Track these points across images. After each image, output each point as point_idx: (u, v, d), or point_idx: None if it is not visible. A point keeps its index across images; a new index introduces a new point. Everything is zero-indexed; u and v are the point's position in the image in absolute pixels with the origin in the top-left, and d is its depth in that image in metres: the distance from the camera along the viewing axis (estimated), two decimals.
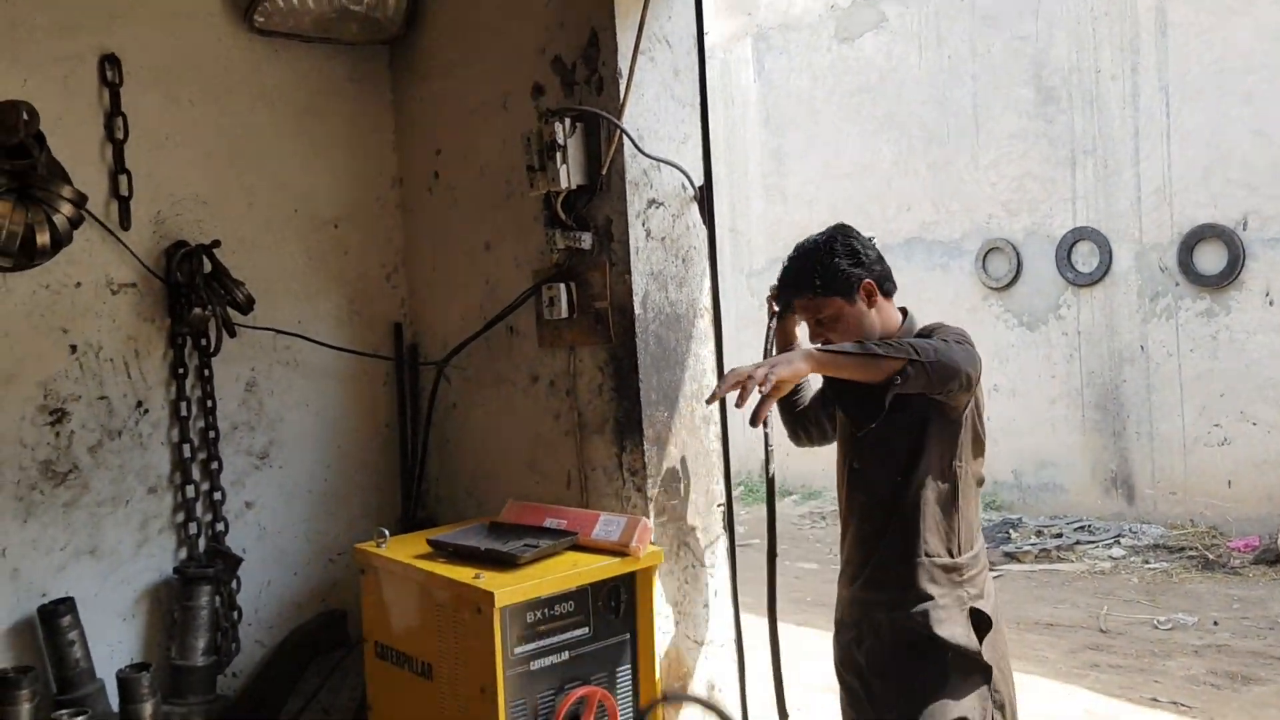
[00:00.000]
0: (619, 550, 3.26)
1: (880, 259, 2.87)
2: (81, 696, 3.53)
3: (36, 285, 3.63)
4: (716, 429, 3.62)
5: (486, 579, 3.07)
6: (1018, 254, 9.29)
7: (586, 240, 3.45)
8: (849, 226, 2.91)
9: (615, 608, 3.28)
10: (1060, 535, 8.73)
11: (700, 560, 3.54)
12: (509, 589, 3.02)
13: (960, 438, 2.78)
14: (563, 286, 3.54)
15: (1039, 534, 8.86)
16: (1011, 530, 9.05)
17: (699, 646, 3.53)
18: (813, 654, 5.08)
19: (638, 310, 3.40)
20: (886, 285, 2.87)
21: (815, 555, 9.05)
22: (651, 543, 3.35)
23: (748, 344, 10.96)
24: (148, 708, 3.41)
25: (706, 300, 3.58)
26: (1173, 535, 8.44)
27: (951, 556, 2.76)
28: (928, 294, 9.99)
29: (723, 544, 3.62)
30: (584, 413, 3.61)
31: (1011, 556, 8.41)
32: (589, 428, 3.59)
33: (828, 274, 2.77)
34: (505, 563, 3.20)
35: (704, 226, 3.55)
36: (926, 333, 2.78)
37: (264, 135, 4.10)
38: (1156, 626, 6.70)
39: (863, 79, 10.28)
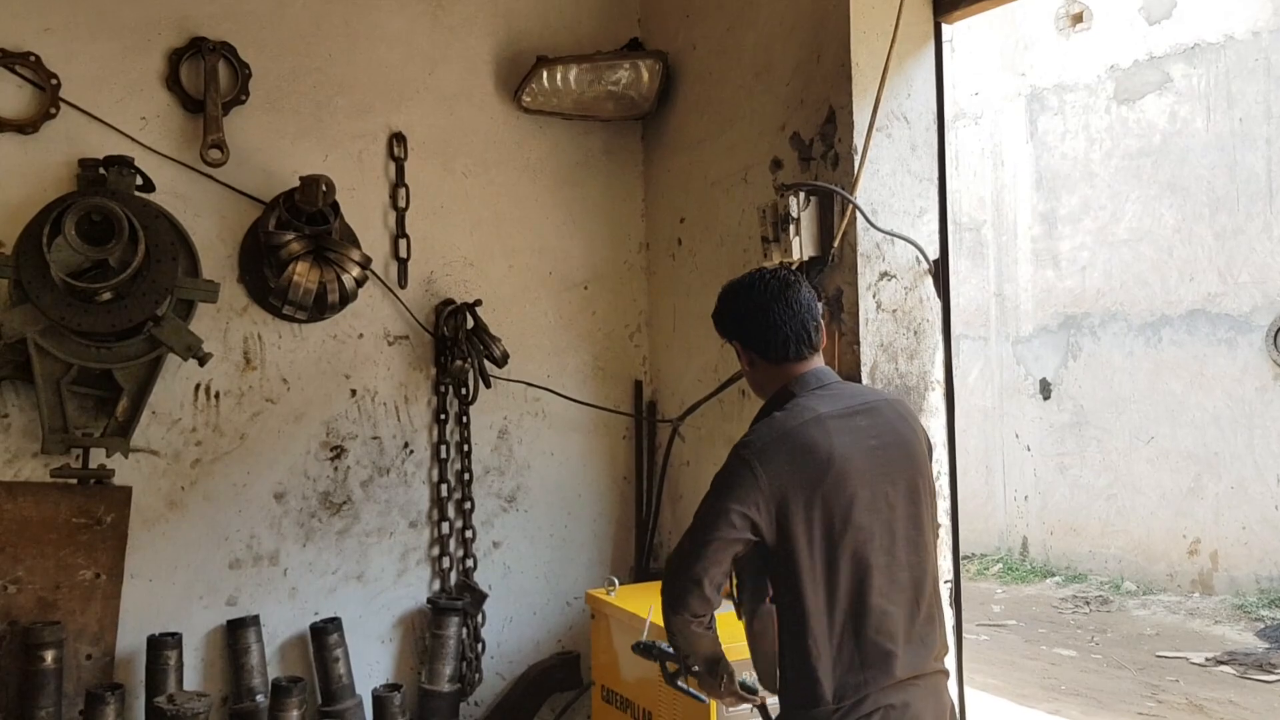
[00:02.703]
0: None
1: (765, 314, 2.54)
2: (342, 710, 3.91)
3: (326, 335, 4.11)
4: (946, 504, 3.58)
5: None
6: None
7: None
8: (760, 275, 2.65)
9: None
10: None
11: None
12: (726, 646, 3.11)
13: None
14: None
15: None
16: None
17: None
18: None
19: (865, 380, 3.44)
20: (765, 351, 2.57)
21: (1075, 641, 8.56)
22: None
23: (1010, 415, 10.65)
24: None
25: (939, 373, 3.57)
26: None
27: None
28: (1211, 370, 9.32)
29: (948, 617, 3.56)
30: None
31: None
32: None
33: (718, 328, 2.75)
34: None
35: (938, 299, 3.56)
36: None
37: (526, 203, 4.46)
38: None
39: (1144, 141, 9.78)
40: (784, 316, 2.55)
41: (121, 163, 3.68)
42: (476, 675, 4.27)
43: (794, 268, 3.56)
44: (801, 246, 3.50)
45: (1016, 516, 10.91)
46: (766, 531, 2.37)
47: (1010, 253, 11.21)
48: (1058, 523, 10.68)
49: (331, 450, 4.12)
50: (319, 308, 3.92)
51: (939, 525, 2.67)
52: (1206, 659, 8.04)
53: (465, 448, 4.29)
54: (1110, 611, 9.67)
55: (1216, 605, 9.31)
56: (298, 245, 3.81)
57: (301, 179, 3.77)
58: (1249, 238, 8.93)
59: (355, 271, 3.92)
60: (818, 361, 2.61)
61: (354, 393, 4.16)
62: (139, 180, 3.73)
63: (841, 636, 2.37)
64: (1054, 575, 10.49)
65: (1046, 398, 10.73)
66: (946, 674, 2.56)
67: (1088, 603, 9.82)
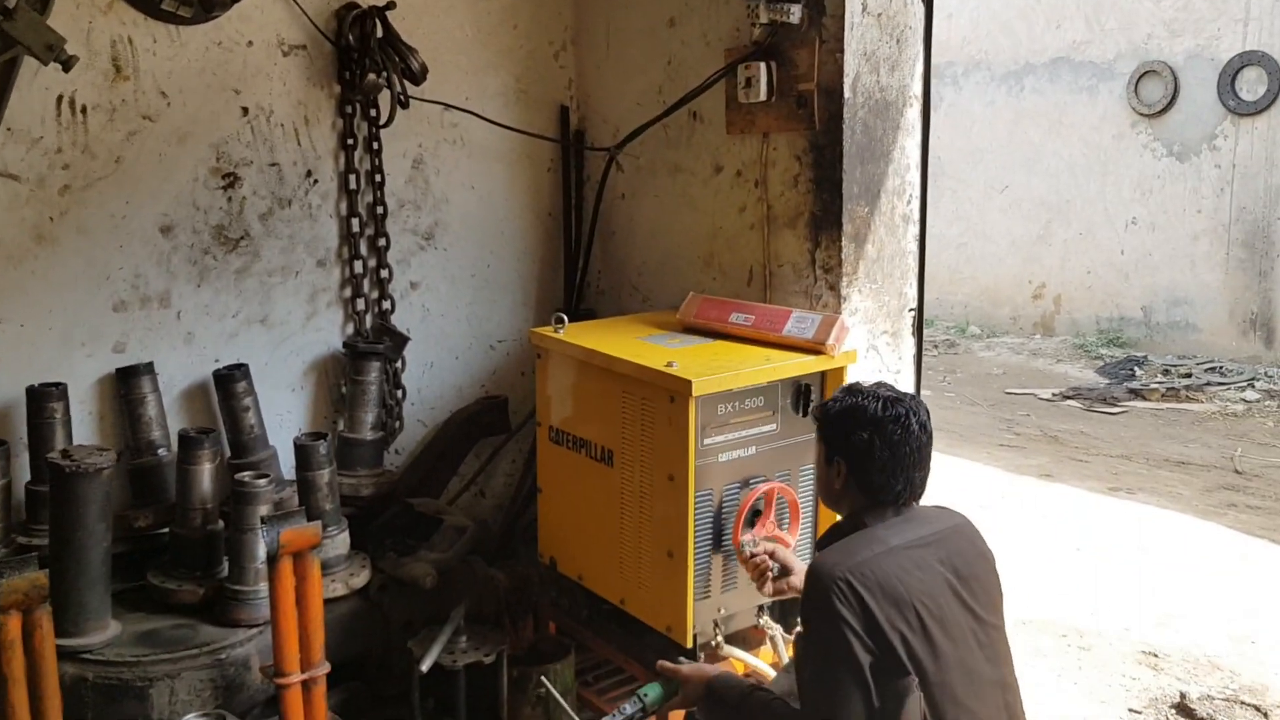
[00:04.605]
0: (814, 348, 3.12)
1: (893, 458, 2.32)
2: (255, 461, 3.56)
3: (209, 42, 3.48)
4: (915, 229, 3.42)
5: (681, 366, 2.97)
6: (1175, 78, 8.70)
7: (795, 13, 3.19)
8: (908, 408, 2.36)
9: (803, 406, 3.16)
10: (1189, 375, 8.46)
11: (887, 365, 3.40)
12: (705, 378, 2.92)
13: None
14: (763, 66, 3.30)
15: (1166, 373, 8.61)
16: (1136, 367, 8.80)
17: None
18: None
19: (847, 94, 3.16)
20: (871, 489, 2.35)
21: (928, 381, 8.81)
22: None
23: None
24: (325, 475, 3.41)
25: (918, 88, 3.32)
26: None
27: None
28: (1070, 118, 9.47)
29: (910, 349, 3.47)
30: (774, 205, 3.42)
31: (1136, 394, 8.20)
32: (778, 221, 3.42)
33: (823, 422, 2.46)
34: None
35: (921, 3, 3.26)
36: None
37: None
38: None
39: None
40: (909, 464, 2.33)
41: None
42: (397, 423, 3.97)
43: None
44: None
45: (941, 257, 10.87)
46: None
47: None
48: None
49: (223, 178, 3.57)
50: (205, 4, 3.29)
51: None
52: (1053, 394, 8.52)
53: (377, 178, 3.80)
54: (958, 354, 10.10)
55: (1058, 345, 9.84)
56: None
57: None
58: None
59: None
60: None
61: (246, 111, 3.58)
62: None
63: None
64: None
65: None
66: None
67: (935, 345, 10.21)
